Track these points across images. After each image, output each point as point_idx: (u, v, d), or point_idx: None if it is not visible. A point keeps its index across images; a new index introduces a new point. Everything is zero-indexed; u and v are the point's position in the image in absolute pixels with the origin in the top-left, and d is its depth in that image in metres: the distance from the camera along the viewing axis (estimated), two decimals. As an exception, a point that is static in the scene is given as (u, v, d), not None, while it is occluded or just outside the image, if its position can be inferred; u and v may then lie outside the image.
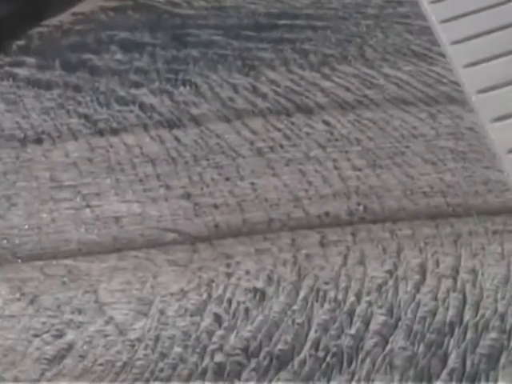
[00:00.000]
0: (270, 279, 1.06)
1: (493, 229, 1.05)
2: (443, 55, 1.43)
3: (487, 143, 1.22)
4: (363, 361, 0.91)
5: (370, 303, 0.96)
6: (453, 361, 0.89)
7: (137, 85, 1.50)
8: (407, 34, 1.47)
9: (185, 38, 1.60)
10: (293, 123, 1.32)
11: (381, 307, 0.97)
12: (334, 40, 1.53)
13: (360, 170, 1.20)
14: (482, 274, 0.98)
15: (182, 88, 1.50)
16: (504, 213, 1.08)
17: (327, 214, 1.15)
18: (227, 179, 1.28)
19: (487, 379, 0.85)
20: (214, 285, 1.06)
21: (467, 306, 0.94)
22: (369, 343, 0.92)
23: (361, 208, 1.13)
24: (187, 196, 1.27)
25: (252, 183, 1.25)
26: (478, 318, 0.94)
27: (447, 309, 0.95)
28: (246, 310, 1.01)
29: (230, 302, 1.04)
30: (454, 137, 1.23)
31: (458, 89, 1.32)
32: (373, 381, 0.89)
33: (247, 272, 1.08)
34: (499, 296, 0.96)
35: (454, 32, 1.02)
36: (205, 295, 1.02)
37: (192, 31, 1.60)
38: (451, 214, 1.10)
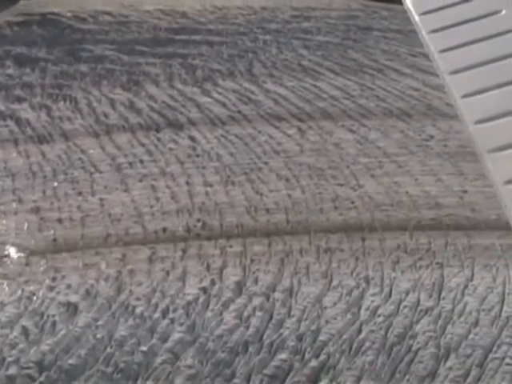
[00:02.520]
0: (87, 294, 1.02)
1: (325, 247, 1.00)
2: (333, 70, 1.40)
3: (349, 160, 1.17)
4: (148, 378, 0.86)
5: (172, 320, 0.91)
6: (236, 381, 0.84)
7: (19, 99, 1.48)
8: (303, 49, 1.44)
9: (79, 53, 1.59)
10: (159, 139, 1.29)
11: (181, 325, 0.92)
12: (226, 55, 1.51)
13: (211, 186, 1.16)
14: (296, 294, 0.92)
15: (61, 103, 1.48)
16: (342, 231, 1.03)
17: (164, 229, 1.11)
18: (79, 194, 1.25)
19: None
20: (34, 298, 1.03)
21: (270, 326, 0.89)
22: (158, 360, 0.88)
23: (199, 224, 1.09)
24: (36, 210, 1.24)
25: (101, 199, 1.22)
26: (275, 337, 0.88)
27: (247, 328, 0.90)
28: (54, 323, 0.98)
29: (42, 315, 1.00)
30: (316, 153, 1.18)
31: (336, 104, 1.28)
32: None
33: (68, 286, 1.04)
34: (304, 316, 0.90)
35: (453, 62, 1.00)
36: (22, 308, 0.99)
37: (87, 46, 1.58)
38: (288, 231, 1.05)
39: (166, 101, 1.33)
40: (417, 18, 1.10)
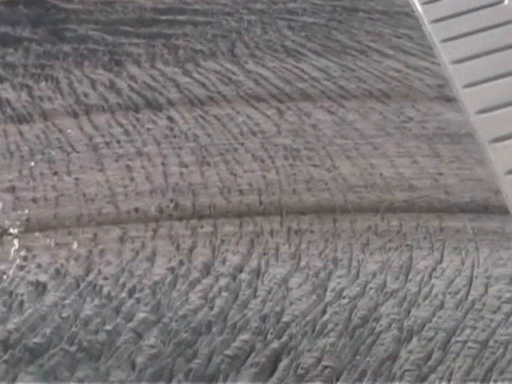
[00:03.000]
0: (57, 273, 1.01)
1: (296, 228, 0.99)
2: (315, 51, 1.38)
3: (326, 141, 1.16)
4: (110, 357, 0.86)
5: (138, 300, 0.91)
6: (197, 361, 0.83)
7: (1, 79, 1.48)
8: (287, 30, 1.42)
9: (63, 33, 1.58)
10: (137, 119, 1.28)
11: (146, 304, 0.92)
12: (210, 36, 1.50)
13: (186, 166, 1.15)
14: (263, 275, 0.92)
15: (42, 83, 1.47)
16: (314, 212, 1.02)
17: (137, 210, 1.11)
18: (55, 174, 1.24)
19: (226, 380, 0.79)
20: (4, 277, 1.03)
21: (234, 307, 0.89)
22: (121, 340, 0.87)
23: (172, 205, 1.09)
24: (11, 190, 1.23)
25: (76, 178, 1.21)
26: (238, 318, 0.88)
27: (212, 308, 0.90)
28: (21, 302, 0.97)
29: (11, 294, 1.00)
30: (293, 134, 1.18)
31: (316, 85, 1.27)
32: (110, 376, 0.84)
33: (39, 265, 1.04)
34: (269, 297, 0.90)
35: (455, 52, 0.99)
36: (-9, 287, 0.99)
37: (72, 26, 1.58)
38: (260, 212, 1.05)
39: (147, 81, 1.33)
40: (419, 7, 1.09)
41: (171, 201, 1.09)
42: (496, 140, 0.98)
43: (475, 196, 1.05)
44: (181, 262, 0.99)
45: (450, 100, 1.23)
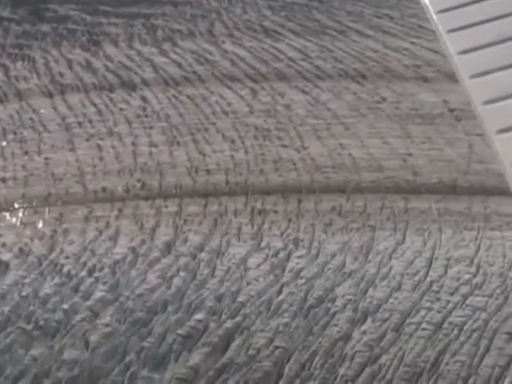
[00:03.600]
0: (21, 252, 1.02)
1: (260, 208, 0.98)
2: (294, 31, 1.37)
3: (298, 121, 1.15)
4: (65, 335, 0.86)
5: (97, 279, 0.91)
6: (150, 339, 0.83)
7: (-22, 60, 1.48)
8: (267, 9, 1.41)
9: (43, 13, 1.58)
10: (111, 99, 1.28)
11: (105, 283, 0.92)
12: (189, 16, 1.49)
13: (156, 146, 1.15)
14: (223, 254, 0.91)
15: (19, 63, 1.47)
16: (279, 192, 1.01)
17: (104, 189, 1.10)
18: (26, 153, 1.24)
19: (177, 359, 0.78)
20: (-32, 258, 1.03)
21: (191, 286, 0.88)
22: (77, 318, 0.87)
23: (139, 184, 1.08)
24: (-18, 169, 1.24)
25: (46, 158, 1.21)
26: (194, 297, 0.87)
27: (169, 288, 0.89)
28: (-18, 281, 0.98)
29: (-27, 274, 1.00)
30: (266, 114, 1.17)
31: (292, 65, 1.25)
32: (63, 354, 0.84)
33: (3, 244, 1.04)
34: (227, 277, 0.89)
35: (461, 42, 0.98)
36: (-47, 268, 0.99)
37: (52, 6, 1.57)
38: (226, 192, 1.04)
39: (123, 61, 1.32)
40: (426, -3, 1.08)
41: (138, 180, 1.09)
42: (503, 130, 0.97)
43: (443, 177, 1.04)
44: (143, 242, 0.98)
45: (426, 80, 1.22)
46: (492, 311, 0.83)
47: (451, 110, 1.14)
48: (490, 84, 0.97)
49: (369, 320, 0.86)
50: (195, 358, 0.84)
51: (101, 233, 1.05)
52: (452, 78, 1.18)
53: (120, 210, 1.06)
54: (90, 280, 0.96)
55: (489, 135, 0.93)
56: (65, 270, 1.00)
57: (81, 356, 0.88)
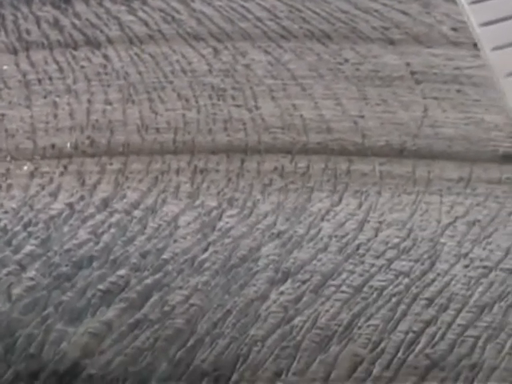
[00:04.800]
0: (-37, 207, 1.02)
1: (202, 167, 0.97)
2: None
3: (255, 81, 1.13)
4: (-10, 289, 0.86)
5: (30, 234, 0.90)
6: (70, 294, 0.83)
7: (-50, 16, 1.48)
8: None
9: (17, -28, 1.57)
10: (74, 56, 1.26)
11: (36, 238, 0.91)
12: (161, -25, 1.46)
13: (111, 104, 1.13)
14: (156, 212, 0.90)
15: (-10, 20, 1.47)
16: (224, 152, 1.00)
17: (53, 146, 1.09)
18: (-16, 109, 1.24)
19: (94, 314, 0.78)
20: None
21: (119, 243, 0.87)
22: (4, 271, 0.87)
23: (87, 141, 1.07)
24: None
25: (3, 114, 1.20)
26: (120, 254, 0.87)
27: (97, 243, 0.89)
28: None
29: None
30: (224, 74, 1.14)
31: (259, 25, 1.23)
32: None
33: None
34: (155, 234, 0.88)
35: (484, 14, 0.96)
36: None
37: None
38: (172, 151, 1.03)
39: (90, 19, 1.31)
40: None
41: (88, 137, 1.08)
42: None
43: (391, 140, 1.01)
44: (81, 198, 0.98)
45: (392, 43, 1.18)
46: (415, 276, 0.81)
47: (412, 73, 1.11)
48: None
49: (289, 281, 0.84)
50: (111, 313, 0.84)
51: (43, 188, 1.04)
52: (418, 40, 1.15)
53: (65, 167, 1.06)
54: (23, 234, 0.96)
55: (509, 109, 0.91)
56: (1, 224, 1.00)
57: (1, 308, 0.89)
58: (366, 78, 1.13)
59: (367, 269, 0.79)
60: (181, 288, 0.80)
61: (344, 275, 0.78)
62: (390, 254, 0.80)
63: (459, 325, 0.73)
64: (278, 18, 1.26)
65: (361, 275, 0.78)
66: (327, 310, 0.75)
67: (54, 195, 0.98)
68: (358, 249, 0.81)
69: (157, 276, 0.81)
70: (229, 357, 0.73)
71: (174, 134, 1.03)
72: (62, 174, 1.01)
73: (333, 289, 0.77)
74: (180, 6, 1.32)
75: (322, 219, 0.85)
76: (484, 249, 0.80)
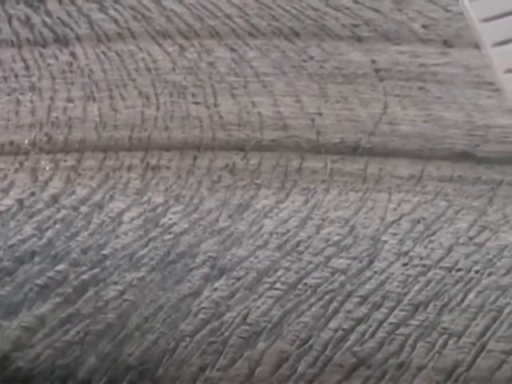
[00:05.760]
0: None
1: (154, 164, 0.96)
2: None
3: (217, 78, 1.12)
4: None
5: (-23, 229, 0.90)
6: (8, 288, 0.82)
7: None
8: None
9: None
10: (42, 54, 1.26)
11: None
12: (136, -26, 1.46)
13: (72, 101, 1.13)
14: (102, 208, 0.90)
15: (-35, 19, 1.48)
16: (178, 149, 0.99)
17: (11, 143, 1.09)
18: (-50, 106, 1.25)
19: (30, 308, 0.78)
20: None
21: (62, 238, 0.87)
22: None
23: (45, 138, 1.07)
24: None
25: (-34, 112, 1.21)
26: (61, 249, 0.86)
27: (41, 239, 0.88)
28: None
29: None
30: (187, 71, 1.14)
31: (228, 22, 1.22)
32: None
33: None
34: (99, 230, 0.87)
35: (484, 10, 0.96)
36: None
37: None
38: (127, 148, 1.02)
39: (61, 16, 1.31)
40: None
41: (46, 134, 1.08)
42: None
43: (346, 137, 1.00)
44: (32, 194, 0.98)
45: (359, 40, 1.17)
46: (352, 274, 0.80)
47: (377, 71, 1.10)
48: (512, 52, 0.94)
49: (223, 277, 0.83)
50: (45, 307, 0.84)
51: (-4, 185, 1.05)
52: (386, 37, 1.14)
53: (21, 164, 1.06)
54: (-30, 229, 0.97)
55: (509, 105, 0.90)
56: (-48, 218, 1.01)
57: None
58: (330, 75, 1.12)
59: (304, 266, 0.77)
60: (116, 283, 0.79)
61: (280, 272, 0.77)
62: (329, 251, 0.79)
63: (391, 323, 0.72)
64: (247, 16, 1.25)
65: (296, 272, 0.77)
66: (258, 307, 0.74)
67: (6, 191, 0.98)
68: (297, 246, 0.80)
69: (94, 271, 0.81)
70: (156, 352, 0.72)
71: (131, 130, 1.03)
72: (16, 170, 1.00)
73: (267, 286, 0.76)
74: (151, 4, 1.32)
75: (266, 216, 0.84)
76: (425, 247, 0.78)
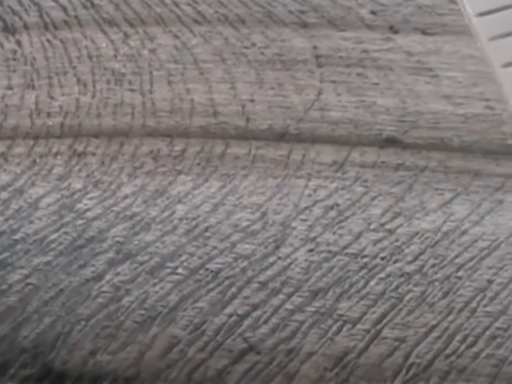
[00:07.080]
0: None
1: (81, 151, 0.95)
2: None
3: (156, 66, 1.11)
4: None
5: None
6: None
7: None
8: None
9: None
10: (-9, 43, 1.27)
11: None
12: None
13: (12, 89, 1.13)
14: (22, 194, 0.89)
15: None
16: (106, 136, 0.98)
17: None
18: None
19: None
20: None
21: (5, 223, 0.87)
22: None
23: (-19, 125, 1.07)
24: None
25: None
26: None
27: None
28: None
29: None
30: (128, 59, 1.12)
31: (175, 10, 1.21)
32: None
33: None
34: (13, 215, 0.87)
35: (480, 4, 0.96)
36: None
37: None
38: (57, 135, 1.02)
39: (12, 5, 1.31)
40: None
41: (-18, 121, 1.08)
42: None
43: (275, 123, 0.99)
44: (-37, 182, 0.98)
45: (304, 26, 1.16)
46: (255, 260, 0.79)
47: (317, 57, 1.08)
48: (509, 46, 0.93)
49: (127, 262, 0.83)
50: (-49, 292, 0.84)
51: None
52: (332, 23, 1.12)
53: (-45, 150, 1.07)
54: None
55: (506, 99, 0.89)
56: None
57: None
58: (269, 61, 1.11)
59: (208, 251, 0.77)
60: (22, 267, 0.79)
61: (183, 257, 0.76)
62: (236, 237, 0.78)
63: (286, 309, 0.71)
64: (195, 3, 1.24)
65: (200, 258, 0.76)
66: (157, 292, 0.74)
67: None
68: (205, 231, 0.79)
69: (3, 255, 0.81)
70: (50, 335, 0.72)
71: (64, 118, 1.02)
72: (-50, 157, 1.01)
73: (168, 270, 0.75)
74: (102, -8, 1.32)
75: (179, 202, 0.83)
76: (334, 233, 0.77)
